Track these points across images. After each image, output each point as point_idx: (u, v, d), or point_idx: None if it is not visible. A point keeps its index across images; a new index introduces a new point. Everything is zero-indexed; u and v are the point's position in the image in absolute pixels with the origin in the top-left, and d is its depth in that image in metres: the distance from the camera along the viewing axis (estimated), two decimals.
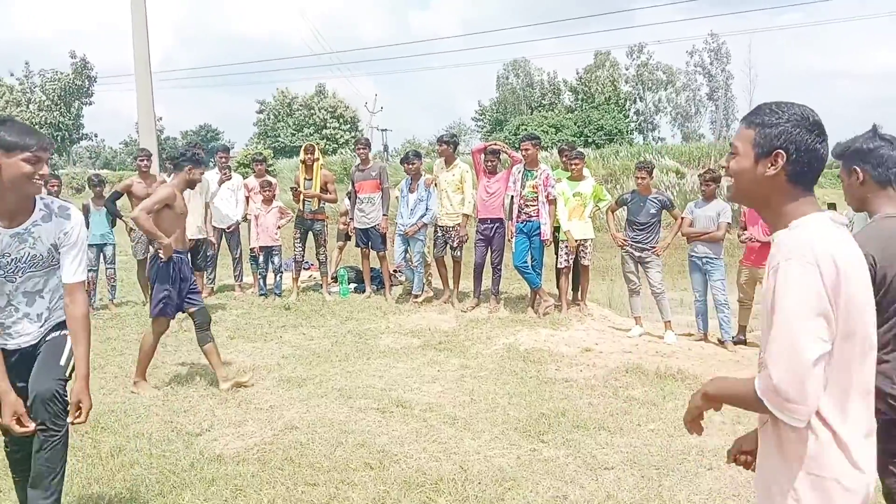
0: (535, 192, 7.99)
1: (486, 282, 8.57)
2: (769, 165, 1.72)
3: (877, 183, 2.55)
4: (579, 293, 8.45)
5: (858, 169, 2.57)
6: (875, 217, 2.58)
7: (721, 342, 7.04)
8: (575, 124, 49.94)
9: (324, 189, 9.07)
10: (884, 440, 2.15)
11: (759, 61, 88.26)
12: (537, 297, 8.35)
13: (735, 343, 7.01)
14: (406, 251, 8.87)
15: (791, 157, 1.69)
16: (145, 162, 8.57)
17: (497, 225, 8.27)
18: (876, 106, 74.67)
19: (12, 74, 49.63)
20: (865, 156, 2.56)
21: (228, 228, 9.35)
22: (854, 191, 2.63)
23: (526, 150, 8.06)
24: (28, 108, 48.41)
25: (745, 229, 7.09)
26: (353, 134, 57.20)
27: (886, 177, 2.55)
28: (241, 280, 9.62)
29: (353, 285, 9.80)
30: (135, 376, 5.50)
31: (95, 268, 8.44)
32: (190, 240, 7.17)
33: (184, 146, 8.95)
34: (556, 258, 8.28)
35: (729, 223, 7.08)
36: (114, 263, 8.76)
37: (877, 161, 2.54)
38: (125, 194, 8.45)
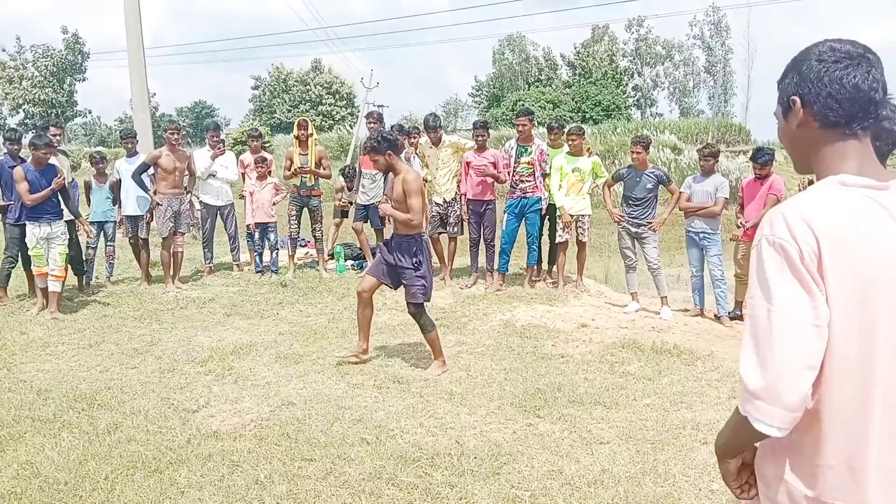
0: (531, 168, 7.95)
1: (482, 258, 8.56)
2: (794, 119, 1.51)
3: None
4: (566, 269, 8.46)
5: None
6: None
7: (717, 317, 7.06)
8: (572, 99, 49.71)
9: (318, 164, 9.00)
10: None
11: (757, 35, 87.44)
12: (532, 272, 8.37)
13: (731, 318, 7.03)
14: None
15: (809, 100, 1.46)
16: (175, 136, 8.50)
17: (487, 201, 8.24)
18: None
19: (3, 50, 49.10)
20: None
21: (223, 206, 9.30)
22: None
23: (522, 125, 8.01)
24: (21, 84, 47.94)
25: (743, 206, 7.08)
26: (349, 110, 56.89)
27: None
28: (238, 258, 9.60)
29: (349, 262, 9.80)
30: None
31: (95, 245, 8.42)
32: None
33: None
34: (555, 233, 8.27)
35: (726, 198, 7.07)
36: (114, 241, 8.72)
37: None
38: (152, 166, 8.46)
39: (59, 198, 7.23)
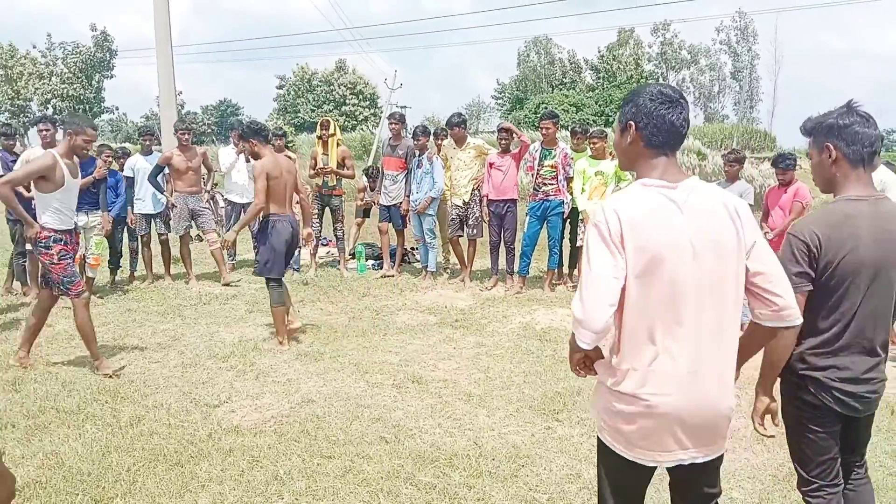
0: (554, 171, 7.94)
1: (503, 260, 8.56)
2: (628, 136, 2.13)
3: (849, 162, 2.38)
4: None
5: (831, 146, 2.39)
6: (836, 198, 2.43)
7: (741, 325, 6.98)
8: (596, 103, 49.39)
9: (341, 165, 9.04)
10: (820, 425, 2.46)
11: (784, 41, 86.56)
12: (553, 276, 8.36)
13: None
14: (422, 226, 8.83)
15: (640, 126, 2.07)
16: (186, 136, 8.58)
17: (508, 203, 8.22)
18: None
19: (35, 47, 49.89)
20: (839, 132, 2.37)
21: (247, 205, 9.37)
22: (823, 170, 2.45)
23: (546, 128, 7.99)
24: (51, 80, 48.69)
25: (768, 213, 7.00)
26: (372, 111, 57.05)
27: (860, 155, 2.37)
28: None
29: (370, 262, 9.83)
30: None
31: (137, 236, 8.66)
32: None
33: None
34: (576, 236, 8.24)
35: (751, 205, 6.98)
36: (136, 237, 8.82)
37: (851, 138, 2.35)
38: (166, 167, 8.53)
39: (98, 188, 7.59)
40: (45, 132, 7.40)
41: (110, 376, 5.13)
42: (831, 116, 2.41)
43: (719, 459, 2.16)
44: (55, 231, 5.06)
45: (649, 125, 2.03)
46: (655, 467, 2.13)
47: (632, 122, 2.07)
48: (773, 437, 2.50)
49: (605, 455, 2.19)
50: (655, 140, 2.04)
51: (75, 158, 5.20)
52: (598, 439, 2.23)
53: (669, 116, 2.02)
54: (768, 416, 2.47)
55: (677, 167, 2.08)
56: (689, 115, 2.08)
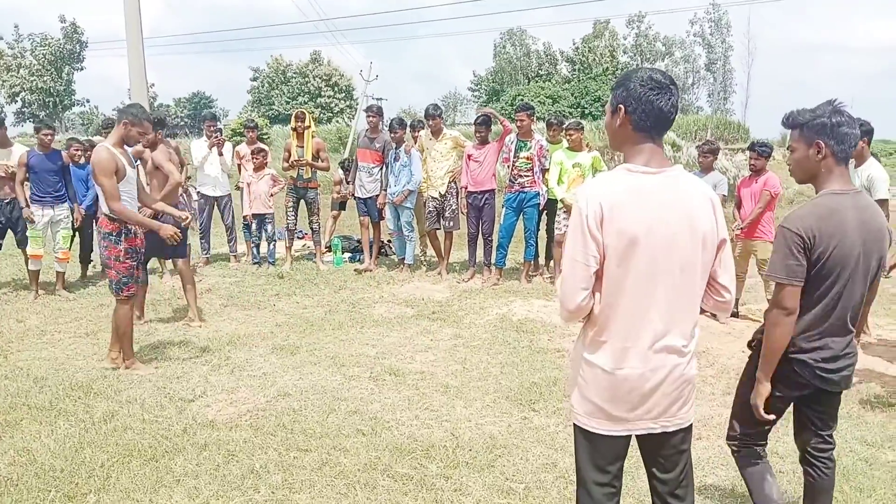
0: (529, 163, 7.96)
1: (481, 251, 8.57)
2: (617, 119, 2.18)
3: (836, 160, 2.55)
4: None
5: (822, 143, 2.53)
6: (821, 192, 2.58)
7: (713, 315, 7.05)
8: (572, 95, 49.64)
9: (315, 157, 8.98)
10: (811, 406, 2.76)
11: (758, 33, 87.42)
12: (529, 267, 8.39)
13: (729, 315, 7.01)
14: (398, 219, 8.81)
15: (630, 110, 2.11)
16: (50, 136, 8.34)
17: (487, 195, 8.23)
18: (865, 79, 74.37)
19: (1, 38, 48.92)
20: (831, 131, 2.52)
21: (220, 197, 9.29)
22: (809, 164, 2.60)
23: (521, 120, 7.99)
24: (19, 72, 47.78)
25: (741, 204, 7.07)
26: (347, 103, 56.76)
27: (846, 154, 2.55)
28: (236, 249, 9.59)
29: (346, 255, 9.80)
30: None
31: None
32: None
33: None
34: (553, 228, 8.27)
35: (724, 195, 7.06)
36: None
37: (840, 138, 2.52)
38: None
39: (64, 181, 7.50)
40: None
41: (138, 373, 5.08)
42: (822, 115, 2.54)
43: (689, 430, 2.32)
44: (122, 225, 4.98)
45: (638, 109, 2.09)
46: (629, 437, 2.27)
47: (622, 106, 2.13)
48: (773, 422, 2.71)
49: (582, 437, 2.29)
50: (643, 124, 2.10)
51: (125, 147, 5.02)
52: (574, 426, 2.32)
53: (658, 102, 2.08)
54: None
55: (662, 153, 2.16)
56: (678, 101, 2.16)
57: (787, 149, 2.76)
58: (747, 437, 2.85)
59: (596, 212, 2.03)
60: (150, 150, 6.57)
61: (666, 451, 2.32)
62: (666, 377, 2.15)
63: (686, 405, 2.25)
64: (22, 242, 7.56)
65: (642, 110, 2.09)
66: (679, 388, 2.19)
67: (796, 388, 2.67)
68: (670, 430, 2.24)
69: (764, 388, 2.64)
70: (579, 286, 2.09)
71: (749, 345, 2.84)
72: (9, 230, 7.58)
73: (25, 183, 7.40)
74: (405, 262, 8.87)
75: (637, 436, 2.29)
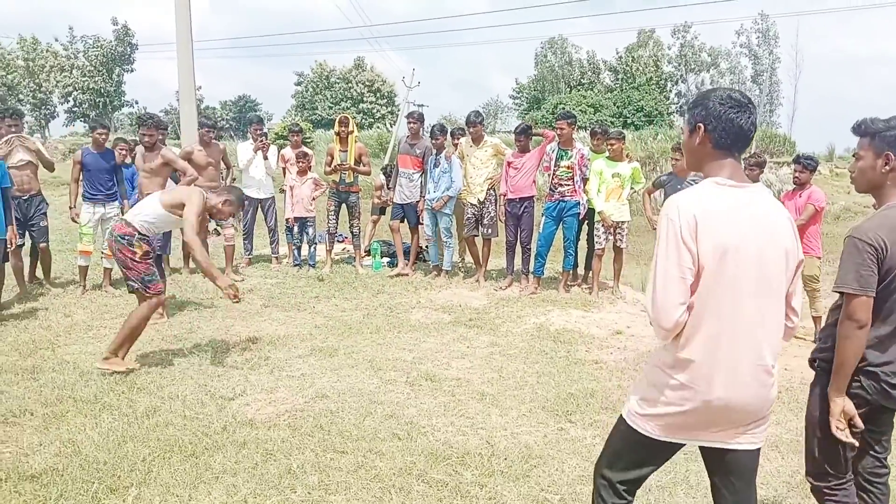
0: (570, 172, 7.91)
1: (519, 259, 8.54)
2: (696, 137, 2.21)
3: None
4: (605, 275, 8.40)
5: (893, 155, 2.52)
6: (887, 205, 2.55)
7: None
8: (614, 104, 49.21)
9: (358, 161, 9.07)
10: (868, 427, 2.60)
11: (805, 45, 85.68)
12: (568, 277, 8.34)
13: None
14: (436, 225, 8.83)
15: (709, 128, 2.15)
16: (211, 134, 8.67)
17: (526, 203, 8.20)
18: None
19: (57, 40, 50.45)
20: None
21: (264, 200, 9.44)
22: (874, 174, 2.58)
23: (561, 129, 7.95)
24: (72, 73, 49.18)
25: None
26: (389, 109, 57.17)
27: None
28: (277, 251, 9.72)
29: (385, 259, 9.86)
30: None
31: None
32: None
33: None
34: (593, 238, 8.21)
35: None
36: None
37: None
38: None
39: (115, 180, 7.69)
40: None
41: (104, 372, 5.01)
42: (894, 126, 2.53)
43: (757, 451, 2.28)
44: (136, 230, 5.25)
45: (718, 128, 2.12)
46: (685, 444, 2.27)
47: (701, 124, 2.16)
48: (855, 443, 2.57)
49: (631, 435, 2.30)
50: (723, 142, 2.13)
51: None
52: (625, 423, 2.33)
53: (738, 120, 2.10)
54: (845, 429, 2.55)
55: (742, 171, 2.18)
56: (756, 118, 2.18)
57: (853, 156, 2.73)
58: (841, 477, 2.65)
59: (689, 222, 2.02)
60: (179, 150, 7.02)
61: (736, 468, 2.28)
62: (753, 397, 2.12)
63: (763, 425, 2.23)
64: (36, 244, 7.55)
65: (722, 128, 2.11)
66: (760, 407, 2.17)
67: (854, 407, 2.57)
68: (744, 447, 2.22)
69: (837, 406, 2.52)
70: (676, 301, 2.04)
71: (811, 364, 2.72)
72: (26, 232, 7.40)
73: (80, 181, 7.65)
74: (441, 268, 8.89)
75: (704, 448, 2.29)
